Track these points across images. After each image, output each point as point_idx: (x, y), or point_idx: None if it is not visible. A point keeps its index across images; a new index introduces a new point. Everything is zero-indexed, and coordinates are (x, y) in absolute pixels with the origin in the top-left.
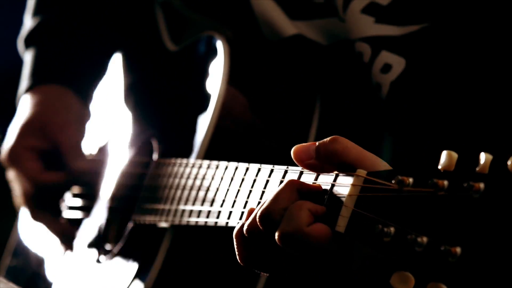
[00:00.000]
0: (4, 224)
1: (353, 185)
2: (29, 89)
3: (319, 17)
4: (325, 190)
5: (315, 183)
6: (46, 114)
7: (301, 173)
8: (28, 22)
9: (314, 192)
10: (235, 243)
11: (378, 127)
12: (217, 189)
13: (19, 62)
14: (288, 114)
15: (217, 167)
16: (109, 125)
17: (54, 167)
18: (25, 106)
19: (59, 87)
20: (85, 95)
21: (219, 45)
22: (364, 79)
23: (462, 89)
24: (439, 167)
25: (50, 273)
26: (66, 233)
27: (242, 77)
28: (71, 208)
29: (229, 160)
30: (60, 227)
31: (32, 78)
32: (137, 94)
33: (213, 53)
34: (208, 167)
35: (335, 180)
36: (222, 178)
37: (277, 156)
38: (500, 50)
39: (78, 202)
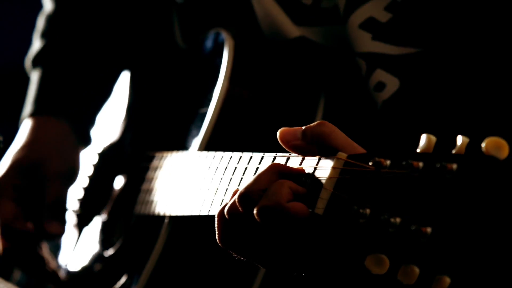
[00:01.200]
0: None
1: (333, 167)
2: (31, 115)
3: (324, 24)
4: (308, 173)
5: (299, 168)
6: (38, 156)
7: (288, 158)
8: (37, 43)
9: (296, 175)
10: (216, 223)
11: (377, 130)
12: (212, 178)
13: (19, 62)
14: (291, 111)
15: (213, 158)
16: (113, 129)
17: (32, 214)
18: (23, 135)
19: (58, 122)
20: (86, 124)
21: (224, 40)
22: (363, 89)
23: (453, 116)
24: (418, 150)
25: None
26: (42, 272)
27: (245, 72)
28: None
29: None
30: (33, 267)
31: (35, 104)
32: (149, 93)
33: (219, 48)
34: (206, 157)
35: (317, 163)
36: (217, 168)
37: (279, 151)
38: (493, 83)
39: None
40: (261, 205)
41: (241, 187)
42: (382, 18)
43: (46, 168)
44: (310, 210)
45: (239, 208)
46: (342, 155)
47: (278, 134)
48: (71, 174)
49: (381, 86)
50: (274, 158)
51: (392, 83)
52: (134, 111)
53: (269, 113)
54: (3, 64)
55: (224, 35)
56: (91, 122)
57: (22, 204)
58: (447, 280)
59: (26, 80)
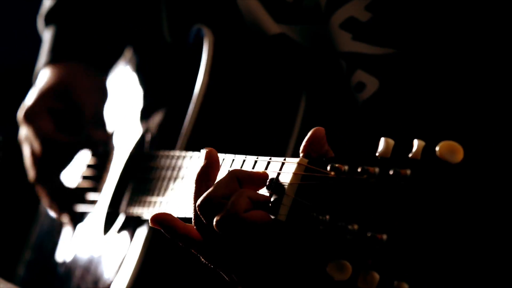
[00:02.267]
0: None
1: (294, 173)
2: (48, 63)
3: (305, 23)
4: (272, 178)
5: (261, 173)
6: (70, 79)
7: (255, 162)
8: (48, 1)
9: (258, 180)
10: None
11: (358, 127)
12: (190, 180)
13: (19, 62)
14: (272, 108)
15: (191, 158)
16: (116, 116)
17: (71, 131)
18: (46, 76)
19: (78, 64)
20: (104, 73)
21: (205, 36)
22: (344, 89)
23: (431, 117)
24: (377, 153)
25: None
26: (66, 202)
27: (225, 68)
28: (81, 175)
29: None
30: (61, 195)
31: (51, 53)
32: (139, 87)
33: (200, 44)
34: (189, 157)
35: (280, 168)
36: (194, 169)
37: (259, 148)
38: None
39: (89, 172)
40: (218, 216)
41: (202, 196)
42: (362, 17)
43: (77, 86)
44: (273, 216)
45: (201, 218)
46: (303, 161)
47: (316, 130)
48: (102, 90)
49: (361, 86)
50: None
51: (371, 84)
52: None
53: (250, 110)
54: (3, 64)
55: (205, 31)
56: (106, 73)
57: (59, 122)
58: (405, 286)
59: (26, 80)
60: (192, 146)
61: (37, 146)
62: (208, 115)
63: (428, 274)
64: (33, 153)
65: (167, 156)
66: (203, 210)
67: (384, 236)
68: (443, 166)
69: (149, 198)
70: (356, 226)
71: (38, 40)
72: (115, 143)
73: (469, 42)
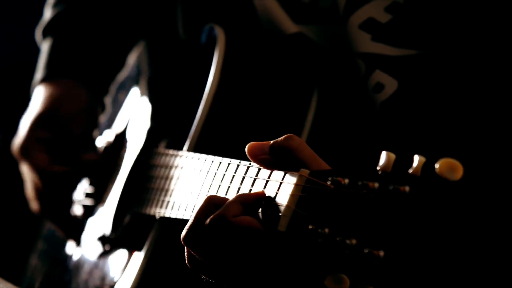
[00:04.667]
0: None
1: (296, 184)
2: (43, 80)
3: (322, 23)
4: (269, 197)
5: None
6: (57, 105)
7: (259, 169)
8: (48, 13)
9: (255, 201)
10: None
11: (370, 130)
12: (197, 182)
13: (19, 62)
14: (283, 107)
15: (198, 160)
16: (126, 116)
17: (65, 159)
18: (37, 98)
19: (71, 82)
20: (99, 89)
21: (217, 36)
22: (361, 89)
23: (450, 117)
24: (378, 167)
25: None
26: (75, 228)
27: (236, 68)
28: (83, 200)
29: (220, 151)
30: (68, 222)
31: (46, 69)
32: (152, 85)
33: (212, 43)
34: (193, 159)
35: (283, 178)
36: (200, 171)
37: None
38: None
39: (89, 197)
40: (208, 220)
41: (185, 228)
42: (382, 19)
43: (63, 111)
44: (273, 227)
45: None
46: (305, 172)
47: (246, 148)
48: (90, 111)
49: (379, 87)
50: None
51: (390, 84)
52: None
53: (260, 110)
54: (3, 64)
55: (217, 30)
56: (104, 89)
57: (52, 151)
58: None
59: (26, 80)
60: (202, 145)
61: (36, 180)
62: (218, 114)
63: None
64: (34, 187)
65: (175, 156)
66: (187, 241)
67: (381, 253)
68: (442, 184)
69: (156, 197)
70: (354, 241)
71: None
72: (125, 141)
73: (489, 44)
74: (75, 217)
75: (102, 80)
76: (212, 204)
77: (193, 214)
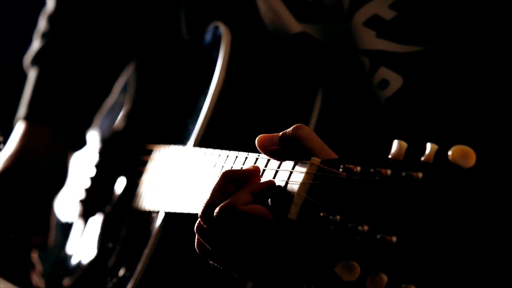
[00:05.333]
0: None
1: (307, 172)
2: (24, 119)
3: (326, 22)
4: (279, 186)
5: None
6: (26, 163)
7: (268, 160)
8: (36, 43)
9: (251, 175)
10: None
11: (375, 126)
12: (203, 176)
13: (19, 62)
14: (288, 105)
15: (205, 154)
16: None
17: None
18: (14, 141)
19: (49, 131)
20: (81, 128)
21: (222, 34)
22: (365, 86)
23: (455, 115)
24: (390, 156)
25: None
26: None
27: (241, 67)
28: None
29: (226, 147)
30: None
31: (28, 108)
32: (153, 84)
33: (217, 42)
34: (199, 154)
35: (293, 167)
36: (215, 165)
37: None
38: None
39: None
40: (218, 208)
41: (200, 210)
42: (387, 16)
43: (33, 174)
44: (283, 215)
45: (202, 224)
46: (316, 160)
47: (256, 141)
48: (59, 179)
49: (384, 83)
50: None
51: (395, 81)
52: (138, 103)
53: (265, 108)
54: (3, 64)
55: (222, 29)
56: (86, 124)
57: (7, 215)
58: None
59: (26, 80)
60: (208, 141)
61: None
62: (223, 111)
63: (436, 278)
64: None
65: (177, 151)
66: (204, 218)
67: (394, 238)
68: (455, 171)
69: (159, 193)
70: (366, 227)
71: None
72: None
73: (494, 40)
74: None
75: (86, 115)
76: (228, 179)
77: (210, 193)
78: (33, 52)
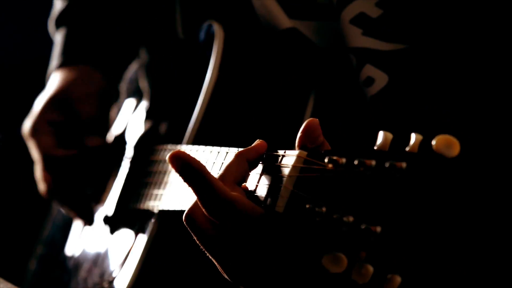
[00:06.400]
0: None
1: (293, 165)
2: (58, 67)
3: (317, 19)
4: (271, 169)
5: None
6: (69, 87)
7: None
8: (58, 4)
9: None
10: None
11: (362, 121)
12: None
13: (19, 62)
14: (280, 104)
15: (197, 151)
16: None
17: (71, 143)
18: (52, 82)
19: (87, 67)
20: (114, 75)
21: (215, 32)
22: (353, 84)
23: (440, 113)
24: (375, 147)
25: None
26: (84, 208)
27: (234, 65)
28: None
29: (219, 144)
30: (76, 202)
31: (62, 56)
32: (153, 82)
33: (210, 40)
34: (191, 151)
35: (280, 161)
36: (206, 162)
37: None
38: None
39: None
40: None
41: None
42: (373, 13)
43: (75, 93)
44: (271, 209)
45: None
46: (302, 153)
47: (310, 121)
48: (103, 97)
49: (370, 81)
50: None
51: (380, 79)
52: (154, 101)
53: (258, 106)
54: (3, 64)
55: (215, 27)
56: (118, 76)
57: (59, 134)
58: (398, 279)
59: (26, 80)
60: (201, 138)
61: (41, 161)
62: (216, 110)
63: (421, 268)
64: (41, 168)
65: (168, 150)
66: (188, 223)
67: (378, 229)
68: (439, 160)
69: (153, 192)
70: (351, 218)
71: (38, 40)
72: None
73: (480, 38)
74: (86, 197)
75: (117, 67)
76: (245, 159)
77: (222, 168)
78: (57, 13)
